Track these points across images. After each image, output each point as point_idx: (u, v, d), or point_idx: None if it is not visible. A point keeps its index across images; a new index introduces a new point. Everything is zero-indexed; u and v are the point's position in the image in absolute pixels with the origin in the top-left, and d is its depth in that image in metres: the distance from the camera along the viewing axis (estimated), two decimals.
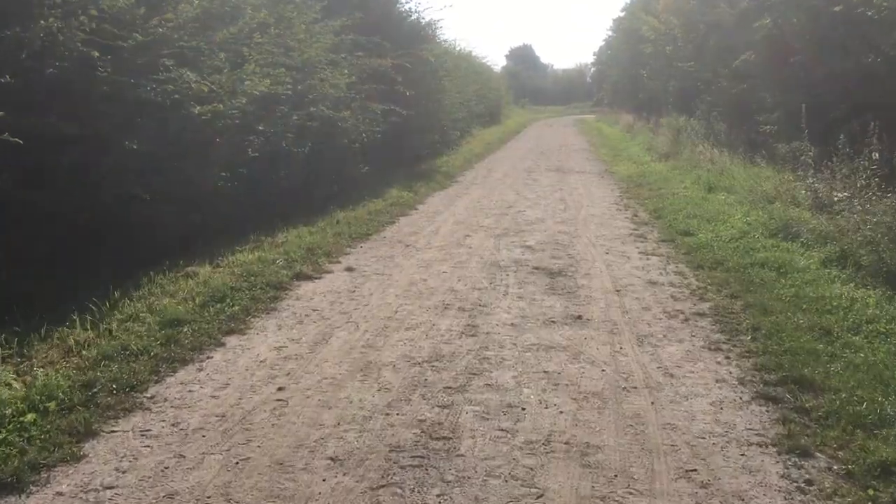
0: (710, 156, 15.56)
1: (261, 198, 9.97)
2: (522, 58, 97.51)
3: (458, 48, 31.40)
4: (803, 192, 10.42)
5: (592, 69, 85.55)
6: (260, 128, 9.61)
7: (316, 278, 7.28)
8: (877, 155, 8.97)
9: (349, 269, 7.65)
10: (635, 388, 4.55)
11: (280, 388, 4.50)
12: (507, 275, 7.44)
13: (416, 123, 17.01)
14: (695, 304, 6.37)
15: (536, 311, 6.19)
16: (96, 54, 6.97)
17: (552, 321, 5.91)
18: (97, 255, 7.14)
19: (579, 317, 6.01)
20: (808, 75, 15.70)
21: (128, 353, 4.94)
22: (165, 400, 4.35)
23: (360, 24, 14.60)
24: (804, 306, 6.03)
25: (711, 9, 21.94)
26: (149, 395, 4.40)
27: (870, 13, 12.79)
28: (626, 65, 40.42)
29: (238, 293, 6.44)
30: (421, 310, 6.22)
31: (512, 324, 5.83)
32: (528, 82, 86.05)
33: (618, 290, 6.85)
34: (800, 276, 6.97)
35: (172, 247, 7.90)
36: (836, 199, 9.68)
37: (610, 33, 58.31)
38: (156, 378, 4.65)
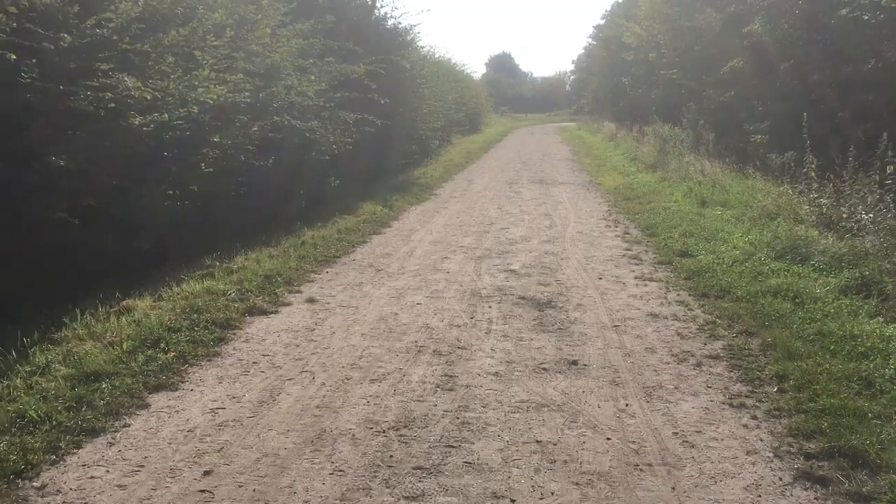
0: (700, 167, 14.83)
1: (218, 218, 9.05)
2: (502, 65, 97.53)
3: (436, 55, 30.63)
4: (806, 207, 9.67)
5: (572, 77, 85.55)
6: (215, 140, 8.70)
7: (272, 313, 6.37)
8: (892, 168, 8.22)
9: (311, 301, 6.74)
10: (649, 465, 3.69)
11: (207, 473, 3.59)
12: (490, 306, 6.58)
13: (392, 133, 16.17)
14: (705, 344, 5.54)
15: (524, 354, 5.33)
16: (14, 57, 6.05)
17: (543, 368, 5.04)
18: (17, 288, 6.19)
19: (574, 362, 5.16)
20: (801, 83, 15.07)
21: (24, 421, 4.01)
22: (58, 492, 3.42)
23: (331, 28, 13.75)
24: (832, 347, 5.22)
25: (696, 14, 21.32)
26: (37, 485, 3.47)
27: (866, 17, 12.15)
28: (606, 72, 39.92)
29: (176, 335, 5.52)
30: (390, 354, 5.33)
31: (496, 372, 4.96)
32: (508, 90, 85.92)
33: (616, 326, 6.01)
34: (819, 308, 6.18)
35: (110, 277, 6.96)
36: (843, 215, 8.94)
37: (590, 41, 58.01)
38: (53, 458, 3.71)
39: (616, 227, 10.83)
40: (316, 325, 6.04)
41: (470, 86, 41.97)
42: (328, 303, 6.71)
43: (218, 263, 7.83)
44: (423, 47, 23.71)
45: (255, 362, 5.14)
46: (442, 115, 25.85)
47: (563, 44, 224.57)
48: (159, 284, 6.95)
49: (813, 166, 10.21)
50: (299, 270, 7.83)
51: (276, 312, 6.39)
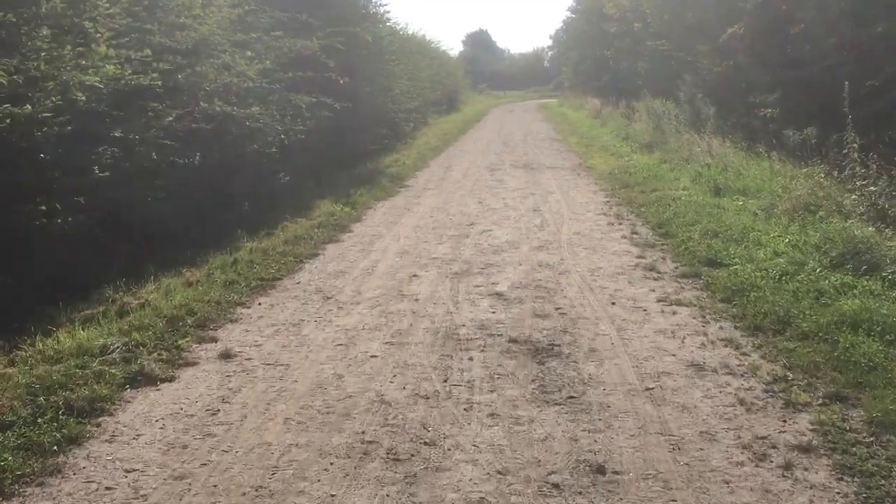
0: (705, 146, 13.08)
1: (125, 233, 7.17)
2: (479, 43, 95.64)
3: (409, 30, 28.60)
4: (853, 197, 7.96)
5: (550, 53, 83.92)
6: (117, 134, 6.81)
7: (165, 381, 4.54)
8: None
9: (226, 357, 4.92)
10: None
11: None
12: (471, 358, 4.80)
13: (356, 117, 14.26)
14: (785, 422, 3.80)
15: (524, 453, 3.56)
16: None
17: (554, 485, 3.28)
18: None
19: (601, 468, 3.40)
20: (815, 47, 13.36)
21: None
22: None
23: None
24: None
25: None
26: None
27: None
28: (587, 46, 38.08)
29: None
30: (321, 458, 3.55)
31: (482, 499, 3.19)
32: (486, 67, 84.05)
33: (649, 389, 4.25)
34: None
35: None
36: None
37: (568, 14, 56.01)
38: None
39: (619, 223, 9.06)
40: (223, 401, 4.22)
41: (446, 63, 39.98)
42: (249, 359, 4.89)
43: (114, 298, 5.97)
44: (392, 21, 21.73)
45: (108, 488, 3.33)
46: (416, 95, 23.95)
47: (540, 20, 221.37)
48: (22, 337, 5.09)
49: (856, 146, 8.48)
50: (221, 304, 5.99)
51: (171, 380, 4.55)
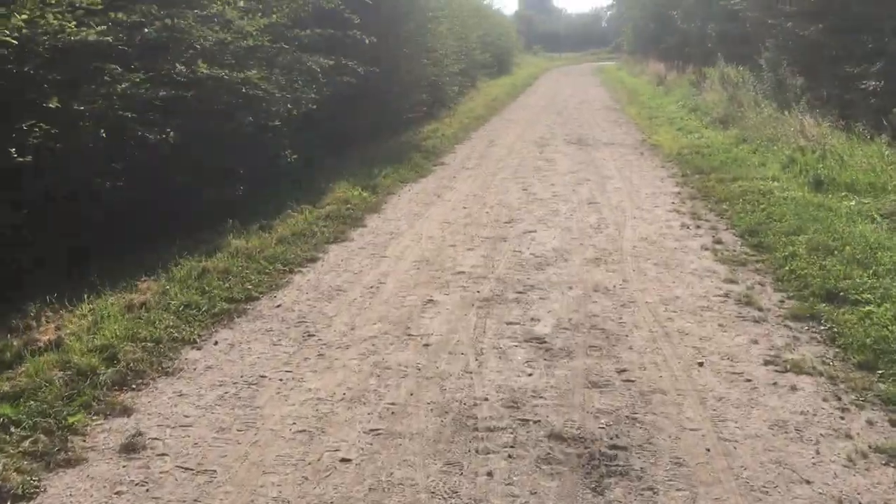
0: (797, 125, 11.00)
1: (68, 231, 5.67)
2: (534, 2, 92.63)
3: None
4: None
5: (609, 13, 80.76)
6: (51, 106, 5.26)
7: None
8: None
9: (128, 451, 3.35)
10: None
11: None
12: (490, 475, 3.14)
13: (387, 82, 12.53)
14: None
15: None
16: None
17: None
18: None
19: None
20: None
21: None
22: None
23: None
24: None
25: None
26: None
27: None
28: (651, 4, 35.41)
29: None
30: None
31: None
32: (541, 27, 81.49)
33: None
34: None
35: None
36: None
37: None
38: None
39: (697, 226, 7.23)
40: None
41: (498, 23, 37.70)
42: (162, 455, 3.31)
43: (22, 328, 4.47)
44: None
45: None
46: (463, 57, 22.02)
47: None
48: None
49: None
50: (162, 344, 4.43)
51: (28, 499, 3.01)
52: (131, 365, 4.07)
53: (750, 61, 17.99)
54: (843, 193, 7.90)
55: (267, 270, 5.89)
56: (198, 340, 4.56)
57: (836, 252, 5.84)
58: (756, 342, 4.47)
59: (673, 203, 8.26)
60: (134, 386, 3.93)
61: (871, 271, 5.38)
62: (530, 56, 58.24)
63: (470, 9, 27.49)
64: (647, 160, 11.30)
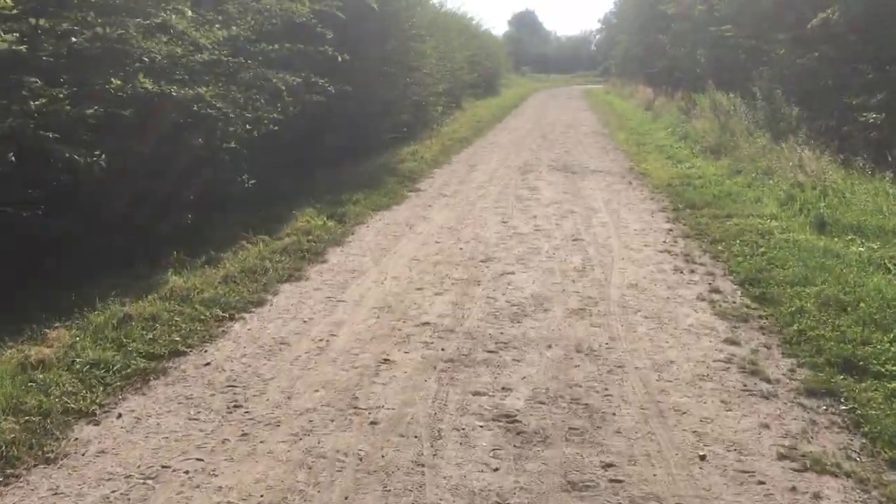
0: (795, 159, 10.38)
1: None
2: (525, 24, 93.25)
3: (444, 5, 26.01)
4: None
5: (598, 36, 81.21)
6: None
7: None
8: None
9: None
10: None
11: None
12: None
13: (364, 101, 11.84)
14: None
15: None
16: None
17: None
18: None
19: None
20: None
21: None
22: None
23: None
24: None
25: None
26: None
27: None
28: (640, 29, 35.17)
29: None
30: None
31: None
32: (531, 49, 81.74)
33: None
34: None
35: None
36: None
37: None
38: None
39: (691, 271, 6.53)
40: None
41: (487, 42, 37.25)
42: None
43: None
44: None
45: None
46: (449, 77, 21.43)
47: (589, 2, 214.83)
48: None
49: None
50: (48, 421, 3.63)
51: None
52: (4, 449, 3.29)
53: (741, 88, 17.49)
54: (849, 237, 7.25)
55: (202, 317, 5.12)
56: (98, 412, 3.78)
57: (849, 309, 5.17)
58: (767, 426, 3.76)
59: (664, 242, 7.58)
60: (1, 479, 3.15)
61: (892, 335, 4.70)
62: (518, 77, 57.96)
63: (457, 28, 26.98)
64: (635, 191, 10.63)
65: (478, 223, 8.41)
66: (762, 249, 6.91)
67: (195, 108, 6.86)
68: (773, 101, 14.28)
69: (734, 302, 5.67)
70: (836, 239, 7.21)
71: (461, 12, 31.93)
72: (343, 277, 6.29)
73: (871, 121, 11.37)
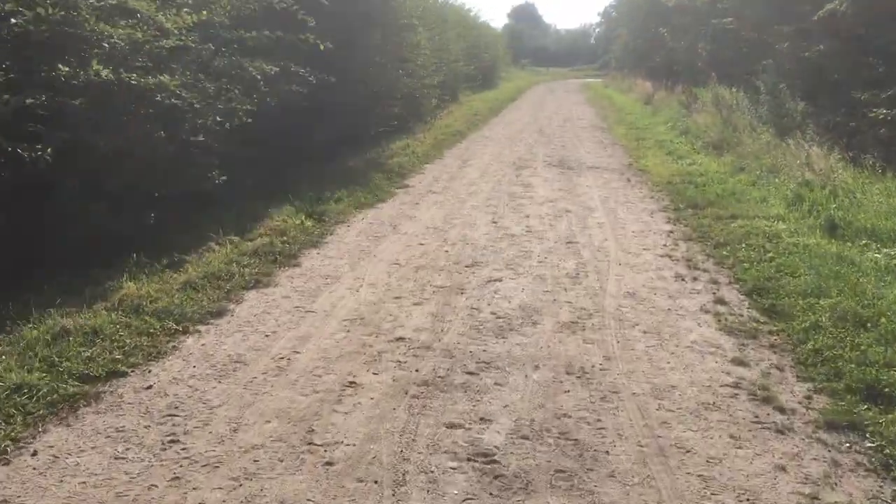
0: (803, 156, 9.87)
1: None
2: (524, 16, 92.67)
3: None
4: None
5: (597, 30, 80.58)
6: None
7: None
8: None
9: None
10: None
11: None
12: None
13: (350, 93, 11.30)
14: None
15: None
16: None
17: None
18: None
19: None
20: None
21: None
22: None
23: None
24: None
25: None
26: None
27: None
28: (640, 22, 34.61)
29: None
30: None
31: None
32: (530, 42, 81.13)
33: None
34: None
35: None
36: None
37: None
38: None
39: (694, 278, 6.02)
40: None
41: (485, 34, 36.60)
42: None
43: None
44: None
45: None
46: (445, 69, 20.86)
47: None
48: None
49: None
50: None
51: None
52: None
53: (743, 82, 16.99)
54: (863, 241, 6.74)
55: (151, 330, 4.61)
56: (10, 449, 3.27)
57: (869, 325, 4.67)
58: (783, 468, 3.26)
59: (664, 245, 7.07)
60: None
61: None
62: (517, 70, 57.30)
63: (453, 19, 26.38)
64: (634, 189, 10.11)
65: (466, 223, 7.89)
66: (770, 255, 6.40)
67: (158, 98, 6.32)
68: (777, 95, 13.76)
69: (741, 315, 5.17)
70: (849, 244, 6.71)
71: (459, 3, 31.34)
72: (315, 284, 5.78)
73: (882, 117, 10.83)
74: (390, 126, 14.37)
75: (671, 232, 7.61)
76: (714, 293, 5.64)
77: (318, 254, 6.67)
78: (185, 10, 6.93)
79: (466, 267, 6.26)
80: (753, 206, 8.46)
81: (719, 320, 5.06)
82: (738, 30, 19.14)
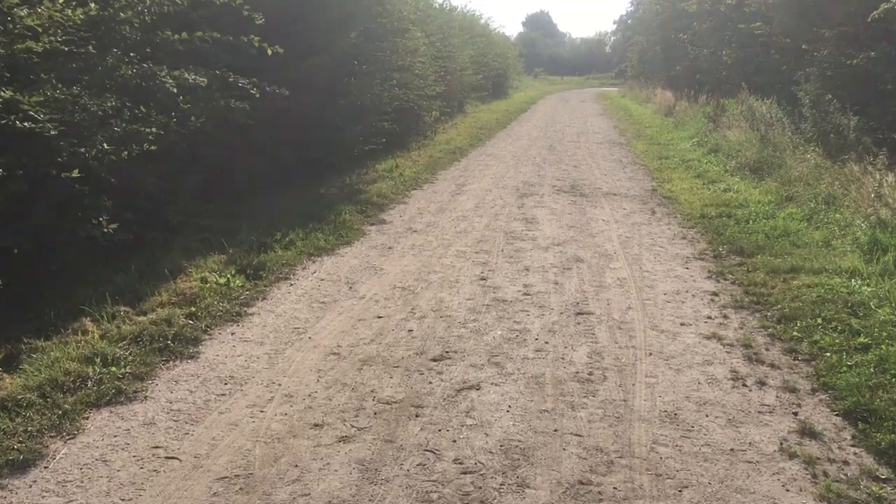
0: (874, 185, 7.92)
1: None
2: (539, 25, 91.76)
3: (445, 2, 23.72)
4: None
5: (613, 38, 79.07)
6: None
7: None
8: None
9: None
10: None
11: None
12: None
13: (320, 108, 9.50)
14: None
15: None
16: None
17: None
18: None
19: None
20: None
21: None
22: None
23: None
24: None
25: None
26: None
27: None
28: (659, 28, 32.70)
29: None
30: None
31: None
32: (544, 50, 79.98)
33: None
34: None
35: None
36: None
37: None
38: None
39: (760, 383, 4.13)
40: None
41: (495, 42, 34.77)
42: None
43: None
44: None
45: None
46: (448, 78, 19.10)
47: (606, 3, 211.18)
48: None
49: None
50: None
51: None
52: None
53: (775, 92, 15.11)
54: None
55: None
56: None
57: None
58: None
59: (709, 318, 5.18)
60: None
61: None
62: (530, 79, 55.64)
63: (459, 25, 24.62)
64: (661, 224, 8.22)
65: (446, 281, 6.03)
66: (863, 340, 4.52)
67: (9, 122, 4.52)
68: (821, 108, 11.83)
69: (844, 461, 3.28)
70: None
71: (468, 10, 29.66)
72: (203, 397, 3.93)
73: None
74: (377, 144, 12.54)
75: (715, 294, 5.71)
76: (794, 414, 3.76)
77: (233, 335, 4.83)
78: (64, 2, 5.14)
79: (432, 361, 4.40)
80: (817, 253, 6.56)
81: (815, 476, 3.18)
82: (767, 35, 17.30)
